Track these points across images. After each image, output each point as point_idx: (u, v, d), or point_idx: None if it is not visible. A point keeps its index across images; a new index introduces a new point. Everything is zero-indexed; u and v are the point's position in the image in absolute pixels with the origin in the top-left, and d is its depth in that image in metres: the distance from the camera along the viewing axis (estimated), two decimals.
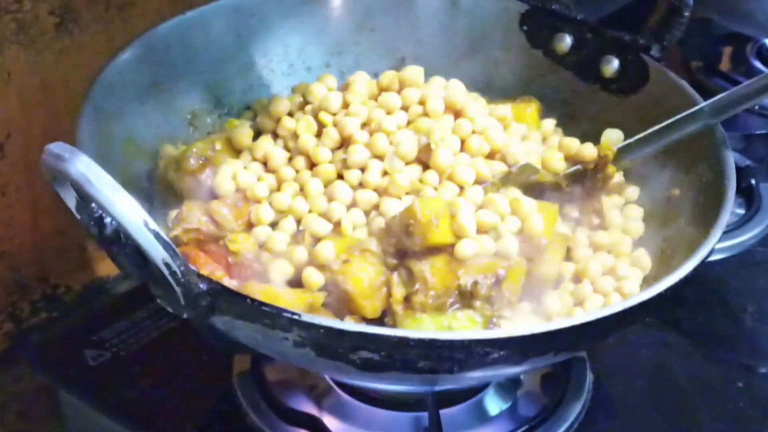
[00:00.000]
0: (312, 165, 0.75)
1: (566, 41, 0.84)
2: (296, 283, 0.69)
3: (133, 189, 0.72)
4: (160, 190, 0.76)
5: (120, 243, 0.59)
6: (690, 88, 0.79)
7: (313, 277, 0.68)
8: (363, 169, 0.74)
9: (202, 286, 0.59)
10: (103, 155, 0.69)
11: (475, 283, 0.68)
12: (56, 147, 0.56)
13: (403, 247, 0.69)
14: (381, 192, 0.73)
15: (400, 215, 0.69)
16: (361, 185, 0.74)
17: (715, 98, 0.75)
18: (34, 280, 0.92)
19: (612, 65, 0.82)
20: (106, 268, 0.96)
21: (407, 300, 0.68)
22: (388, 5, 0.87)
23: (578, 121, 0.84)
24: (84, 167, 0.55)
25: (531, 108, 0.82)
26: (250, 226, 0.73)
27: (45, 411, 0.87)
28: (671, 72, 0.80)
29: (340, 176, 0.74)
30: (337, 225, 0.71)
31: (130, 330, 0.83)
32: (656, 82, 0.80)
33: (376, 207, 0.73)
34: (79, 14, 0.86)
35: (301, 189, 0.74)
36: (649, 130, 0.77)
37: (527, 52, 0.86)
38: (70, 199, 0.59)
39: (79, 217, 0.60)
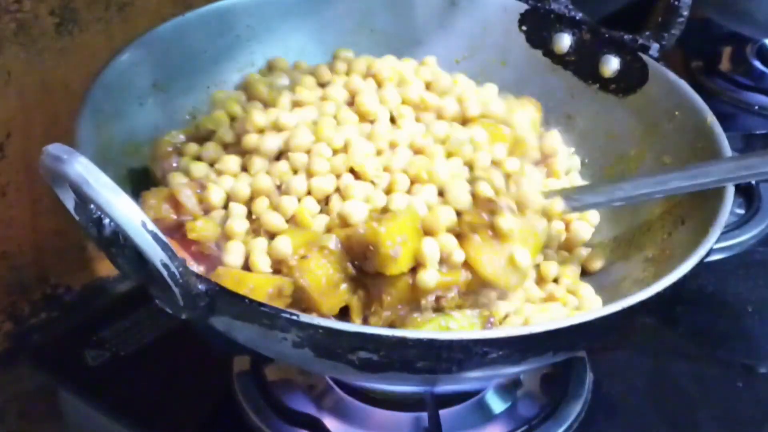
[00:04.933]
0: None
1: (565, 41, 0.84)
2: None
3: (132, 190, 0.73)
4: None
5: (118, 244, 0.59)
6: (690, 88, 0.79)
7: (260, 264, 0.67)
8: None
9: (201, 286, 0.59)
10: (102, 156, 0.69)
11: (438, 298, 0.68)
12: (55, 148, 0.56)
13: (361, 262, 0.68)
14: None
15: (364, 235, 0.67)
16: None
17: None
18: (34, 280, 0.92)
19: (611, 65, 0.82)
20: (106, 268, 0.96)
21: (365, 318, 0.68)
22: (388, 5, 0.87)
23: (577, 121, 0.84)
24: (82, 168, 0.55)
25: (531, 109, 0.82)
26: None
27: (45, 411, 0.87)
28: (671, 72, 0.80)
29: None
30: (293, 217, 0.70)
31: (130, 330, 0.83)
32: (655, 81, 0.80)
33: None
34: (79, 14, 0.86)
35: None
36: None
37: (526, 51, 0.86)
38: (69, 200, 0.59)
39: (77, 218, 0.60)
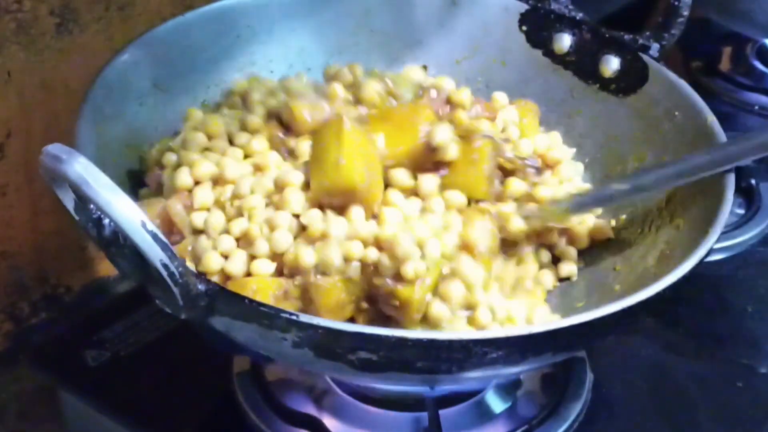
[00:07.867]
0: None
1: (565, 41, 0.84)
2: None
3: (131, 190, 0.73)
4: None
5: (118, 244, 0.59)
6: (690, 88, 0.79)
7: (263, 269, 0.67)
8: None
9: (200, 286, 0.59)
10: (102, 156, 0.69)
11: None
12: (54, 148, 0.56)
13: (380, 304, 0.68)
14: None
15: (394, 292, 0.67)
16: None
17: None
18: (34, 280, 0.92)
19: (611, 65, 0.82)
20: (106, 268, 0.96)
21: None
22: (387, 5, 0.87)
23: (577, 121, 0.84)
24: (82, 169, 0.55)
25: (530, 113, 0.82)
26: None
27: (45, 411, 0.87)
28: (671, 72, 0.80)
29: None
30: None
31: (130, 330, 0.83)
32: (655, 81, 0.80)
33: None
34: (79, 14, 0.86)
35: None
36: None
37: (527, 52, 0.86)
38: (69, 201, 0.59)
39: (77, 218, 0.60)
